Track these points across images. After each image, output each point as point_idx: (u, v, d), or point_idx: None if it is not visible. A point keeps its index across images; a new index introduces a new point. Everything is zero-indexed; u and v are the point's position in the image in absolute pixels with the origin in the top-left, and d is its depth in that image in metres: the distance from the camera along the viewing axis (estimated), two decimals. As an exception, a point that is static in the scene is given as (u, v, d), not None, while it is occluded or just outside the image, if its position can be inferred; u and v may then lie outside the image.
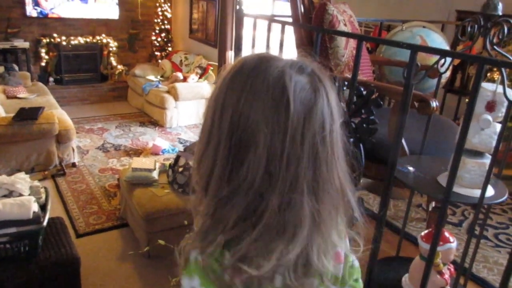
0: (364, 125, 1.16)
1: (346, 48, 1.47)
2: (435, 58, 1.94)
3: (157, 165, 3.92)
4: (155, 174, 3.75)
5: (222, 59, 6.16)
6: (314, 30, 1.32)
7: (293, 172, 0.60)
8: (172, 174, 3.72)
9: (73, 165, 4.88)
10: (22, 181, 2.73)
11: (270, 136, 0.59)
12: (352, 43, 1.50)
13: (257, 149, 0.59)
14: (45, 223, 2.57)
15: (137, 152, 5.43)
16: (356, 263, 0.74)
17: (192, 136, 6.06)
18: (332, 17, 1.36)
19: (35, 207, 2.58)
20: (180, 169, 3.68)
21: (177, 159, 3.84)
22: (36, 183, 2.89)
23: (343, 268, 0.71)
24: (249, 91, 0.60)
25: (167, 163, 4.03)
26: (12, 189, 2.63)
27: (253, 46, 1.58)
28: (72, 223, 3.91)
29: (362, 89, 1.16)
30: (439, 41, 2.06)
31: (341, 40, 1.42)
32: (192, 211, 0.75)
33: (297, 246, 0.60)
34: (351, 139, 1.17)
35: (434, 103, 1.22)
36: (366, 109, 1.16)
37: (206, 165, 0.65)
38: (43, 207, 2.76)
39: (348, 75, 1.45)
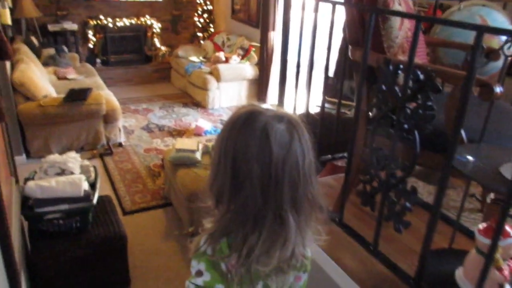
0: (420, 111, 1.09)
1: (400, 29, 1.39)
2: (496, 39, 1.80)
3: (200, 146, 3.96)
4: (198, 155, 3.80)
5: (264, 40, 6.08)
6: (367, 10, 1.25)
7: (279, 195, 0.84)
8: (215, 156, 3.76)
9: (120, 144, 5.03)
10: (73, 160, 2.84)
11: (259, 170, 0.83)
12: (407, 23, 1.41)
13: (252, 179, 0.83)
14: (94, 201, 2.67)
15: (180, 133, 5.52)
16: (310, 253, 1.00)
17: (234, 118, 6.08)
18: (387, -4, 1.28)
19: (85, 186, 2.68)
20: (222, 151, 3.71)
21: (219, 140, 3.86)
22: (86, 162, 3.00)
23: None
24: (242, 139, 0.84)
25: (210, 144, 4.07)
26: (64, 167, 2.74)
27: (301, 27, 1.53)
28: (119, 201, 4.05)
29: (419, 72, 1.09)
30: (501, 20, 1.90)
31: (395, 21, 1.34)
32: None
33: (289, 248, 0.86)
34: (405, 126, 1.11)
35: (498, 89, 1.13)
36: (422, 94, 1.09)
37: (216, 188, 0.90)
38: (92, 186, 2.87)
39: (402, 57, 1.38)
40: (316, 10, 1.36)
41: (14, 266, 1.66)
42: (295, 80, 1.47)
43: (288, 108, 1.48)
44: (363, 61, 1.21)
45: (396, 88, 1.11)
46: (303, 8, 1.44)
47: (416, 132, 1.09)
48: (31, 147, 4.47)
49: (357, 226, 1.67)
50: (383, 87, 1.15)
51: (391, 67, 1.12)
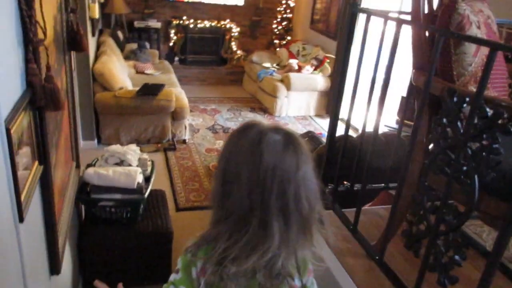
0: (484, 154, 0.94)
1: (476, 55, 1.23)
2: None
3: (258, 153, 3.94)
4: (254, 162, 3.78)
5: (340, 52, 5.93)
6: (435, 31, 1.12)
7: (266, 202, 0.84)
8: (271, 165, 3.72)
9: (184, 141, 5.18)
10: (133, 152, 2.94)
11: (248, 173, 0.84)
12: (485, 49, 1.25)
13: (240, 185, 0.85)
14: (146, 195, 2.74)
15: (243, 137, 5.55)
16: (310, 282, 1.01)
17: (300, 128, 5.99)
18: (462, 18, 1.14)
19: (139, 178, 2.76)
20: (280, 161, 3.65)
21: (278, 150, 3.81)
22: (145, 155, 3.09)
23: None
24: (235, 146, 0.88)
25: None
26: (123, 158, 2.85)
27: (363, 44, 1.43)
28: (174, 196, 4.15)
29: (488, 108, 0.95)
30: None
31: (470, 46, 1.19)
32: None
33: (268, 255, 0.85)
34: (464, 168, 0.96)
35: None
36: (489, 134, 0.94)
37: (212, 195, 0.95)
38: (147, 179, 2.95)
39: (474, 88, 1.22)
40: (384, 27, 1.26)
41: (55, 245, 1.74)
42: (368, 96, 1.37)
43: (358, 124, 1.38)
44: (425, 87, 1.08)
45: (459, 124, 0.98)
46: (367, 25, 1.34)
47: (476, 177, 0.95)
48: (103, 134, 4.75)
49: (402, 267, 1.52)
50: (444, 120, 1.02)
51: (455, 98, 0.99)
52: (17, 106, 1.23)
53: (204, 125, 5.81)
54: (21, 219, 1.25)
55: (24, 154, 1.35)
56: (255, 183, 0.84)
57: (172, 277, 0.99)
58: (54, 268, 1.77)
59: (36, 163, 1.49)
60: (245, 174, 0.85)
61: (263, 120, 0.96)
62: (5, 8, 1.17)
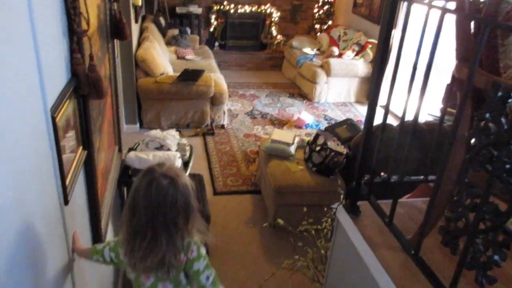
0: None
1: (527, 45, 1.16)
2: None
3: (296, 140, 3.93)
4: (292, 149, 3.77)
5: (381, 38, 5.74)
6: (480, 21, 1.06)
7: (155, 222, 1.30)
8: (309, 152, 3.69)
9: (222, 126, 5.24)
10: (172, 137, 3.02)
11: (144, 205, 1.29)
12: (538, 39, 1.17)
13: (139, 210, 1.30)
14: (184, 179, 2.81)
15: (282, 122, 5.54)
16: (195, 254, 1.41)
17: (339, 115, 5.90)
18: (511, 7, 1.07)
19: (178, 163, 2.83)
20: (317, 148, 3.62)
21: (316, 137, 3.78)
22: (184, 140, 3.16)
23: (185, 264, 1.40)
24: (138, 185, 1.32)
25: (306, 139, 4.01)
26: (163, 143, 2.93)
27: (403, 32, 1.38)
28: (212, 180, 4.24)
29: (536, 103, 0.89)
30: None
31: (521, 36, 1.12)
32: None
33: (159, 255, 1.31)
34: (507, 166, 0.91)
35: None
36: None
37: (122, 217, 1.39)
38: (186, 164, 3.02)
39: (524, 80, 1.15)
40: (426, 17, 1.20)
41: (99, 226, 1.83)
42: (409, 83, 1.33)
43: (397, 111, 1.37)
44: (468, 80, 1.03)
45: (503, 120, 0.93)
46: (408, 15, 1.29)
47: (519, 174, 0.90)
48: (145, 118, 4.89)
49: (438, 262, 1.48)
50: (487, 115, 0.97)
51: (500, 92, 0.94)
52: (62, 94, 1.29)
53: (243, 110, 5.84)
54: (66, 202, 1.32)
55: (70, 139, 1.42)
56: (148, 210, 1.29)
57: (109, 242, 1.54)
58: (97, 247, 1.86)
59: (80, 148, 1.56)
60: (142, 205, 1.29)
61: (160, 165, 1.38)
62: (50, 0, 1.22)
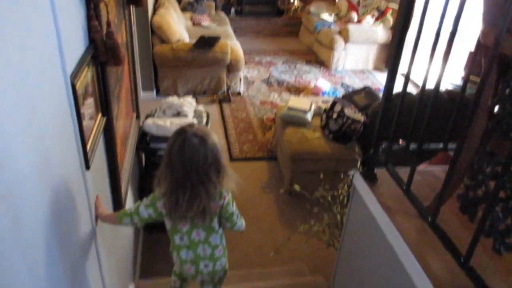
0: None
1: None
2: None
3: (313, 107, 3.89)
4: (309, 116, 3.75)
5: (403, 2, 5.54)
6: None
7: (191, 176, 1.48)
8: (326, 119, 3.67)
9: (238, 93, 5.22)
10: (189, 104, 3.02)
11: (179, 162, 1.47)
12: None
13: (176, 167, 1.47)
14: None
15: (298, 90, 5.49)
16: (227, 200, 1.62)
17: (356, 82, 5.80)
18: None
19: (195, 130, 2.85)
20: (334, 116, 3.59)
21: (333, 104, 3.74)
22: (200, 107, 3.17)
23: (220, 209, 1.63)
24: (172, 144, 1.48)
25: (323, 106, 3.97)
26: (180, 110, 2.94)
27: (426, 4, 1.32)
28: (228, 147, 4.27)
29: None
30: None
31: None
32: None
33: (201, 205, 1.51)
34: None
35: None
36: None
37: (159, 174, 1.55)
38: (203, 131, 3.04)
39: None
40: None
41: (119, 191, 1.87)
42: (431, 50, 1.29)
43: (417, 80, 1.35)
44: (494, 46, 0.99)
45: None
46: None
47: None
48: (161, 85, 4.90)
49: (456, 228, 1.48)
50: (513, 81, 0.94)
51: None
52: (81, 61, 1.30)
53: (259, 77, 5.79)
54: (87, 167, 1.35)
55: (89, 106, 1.44)
56: (183, 167, 1.45)
57: (142, 202, 1.62)
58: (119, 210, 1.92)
59: (100, 114, 1.58)
60: (177, 162, 1.46)
61: (193, 125, 1.53)
62: (67, -35, 1.21)
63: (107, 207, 1.75)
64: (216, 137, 1.52)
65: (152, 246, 2.93)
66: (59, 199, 1.12)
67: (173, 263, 1.83)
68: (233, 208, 1.65)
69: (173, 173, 1.47)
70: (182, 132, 1.47)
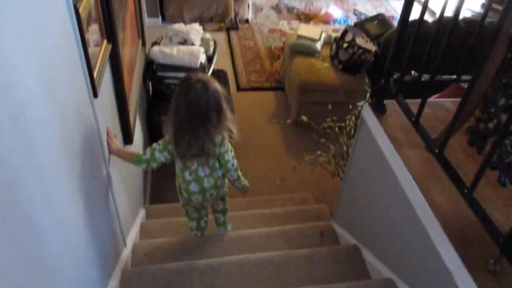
0: None
1: None
2: None
3: (323, 36, 3.77)
4: (318, 45, 3.64)
5: None
6: None
7: (194, 118, 1.61)
8: (335, 49, 3.56)
9: (246, 21, 5.04)
10: (196, 32, 2.94)
11: (184, 105, 1.60)
12: None
13: (181, 109, 1.61)
14: (209, 74, 2.79)
15: (308, 17, 5.27)
16: (226, 148, 1.77)
17: (369, 10, 5.55)
18: None
19: (202, 58, 2.79)
20: (345, 45, 3.48)
21: (344, 33, 3.61)
22: (207, 35, 3.08)
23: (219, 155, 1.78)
24: (178, 90, 1.62)
25: (334, 35, 3.84)
26: (186, 38, 2.86)
27: None
28: (235, 76, 4.21)
29: None
30: None
31: None
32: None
33: (200, 143, 1.65)
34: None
35: None
36: None
37: (168, 116, 1.67)
38: (210, 59, 2.98)
39: None
40: None
41: (127, 118, 1.89)
42: None
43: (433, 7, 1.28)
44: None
45: None
46: None
47: None
48: (167, 11, 4.72)
49: (461, 161, 1.50)
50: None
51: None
52: (83, -17, 1.23)
53: (268, 4, 5.54)
54: (95, 94, 1.35)
55: (93, 31, 1.40)
56: (189, 109, 1.58)
57: (154, 149, 1.73)
58: (128, 139, 1.94)
59: (105, 41, 1.54)
60: (183, 105, 1.59)
61: (197, 73, 1.73)
62: None
63: (116, 134, 1.77)
64: (219, 85, 1.63)
65: (160, 176, 3.01)
66: (69, 126, 1.13)
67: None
68: (230, 156, 1.79)
69: (177, 116, 1.61)
70: (186, 79, 1.61)
